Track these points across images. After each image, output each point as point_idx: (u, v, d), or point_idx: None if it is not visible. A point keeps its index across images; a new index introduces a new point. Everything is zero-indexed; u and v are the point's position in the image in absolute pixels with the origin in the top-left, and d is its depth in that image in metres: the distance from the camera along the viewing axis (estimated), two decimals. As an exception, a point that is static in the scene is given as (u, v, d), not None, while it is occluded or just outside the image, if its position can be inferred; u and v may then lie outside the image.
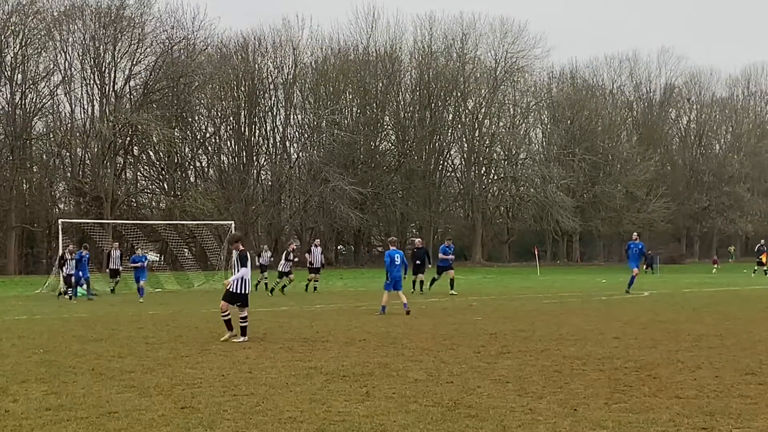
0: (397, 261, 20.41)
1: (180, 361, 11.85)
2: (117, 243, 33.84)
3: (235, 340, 14.25)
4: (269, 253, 33.51)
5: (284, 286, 29.20)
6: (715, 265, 60.04)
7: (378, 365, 11.26)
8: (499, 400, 8.77)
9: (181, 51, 63.60)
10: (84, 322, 18.69)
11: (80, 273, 28.17)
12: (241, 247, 14.95)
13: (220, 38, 68.33)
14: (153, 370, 11.00)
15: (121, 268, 31.67)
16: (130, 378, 10.41)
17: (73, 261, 28.30)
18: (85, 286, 28.84)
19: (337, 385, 9.71)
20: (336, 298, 26.85)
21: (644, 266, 55.96)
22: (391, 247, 20.94)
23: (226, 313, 14.57)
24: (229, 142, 69.82)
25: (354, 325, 16.90)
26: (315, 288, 30.62)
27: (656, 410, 8.21)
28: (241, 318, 14.54)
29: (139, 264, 28.07)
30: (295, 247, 32.69)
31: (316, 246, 32.03)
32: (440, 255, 29.08)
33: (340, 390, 9.41)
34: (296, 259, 31.35)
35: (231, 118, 68.48)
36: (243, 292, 14.66)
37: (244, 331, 14.47)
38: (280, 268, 29.76)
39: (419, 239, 33.60)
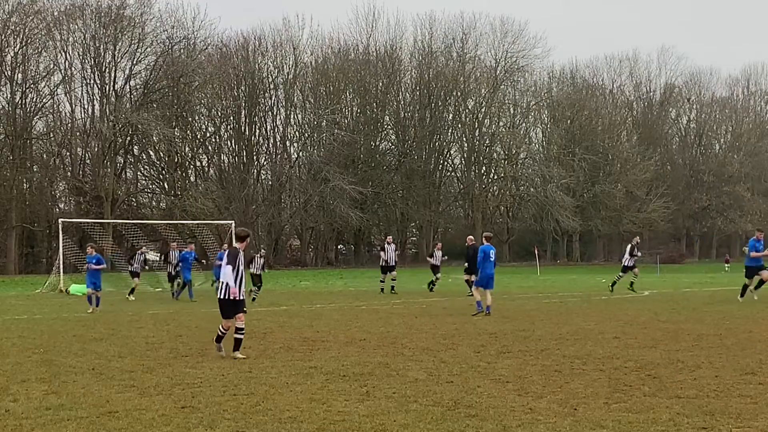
0: (492, 257, 18.98)
1: (180, 361, 11.86)
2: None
3: (239, 355, 12.02)
4: (441, 253, 30.04)
5: (631, 282, 27.15)
6: (727, 264, 59.92)
7: (378, 365, 11.26)
8: (499, 400, 8.77)
9: (182, 51, 63.69)
10: (84, 321, 18.70)
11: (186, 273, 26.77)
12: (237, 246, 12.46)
13: (220, 38, 68.70)
14: (153, 370, 11.00)
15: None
16: (131, 378, 10.41)
17: (142, 258, 28.10)
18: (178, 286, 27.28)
19: (337, 385, 9.71)
20: (336, 298, 26.84)
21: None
22: (485, 242, 19.40)
23: (227, 329, 12.39)
24: (229, 142, 69.95)
25: (354, 325, 16.89)
26: (392, 288, 28.40)
27: (656, 410, 8.21)
28: (239, 329, 12.18)
29: (87, 265, 22.43)
30: (639, 241, 29.10)
31: (389, 243, 29.67)
32: (751, 252, 22.28)
33: (340, 390, 9.42)
34: (639, 254, 27.94)
35: (231, 118, 68.58)
36: (242, 297, 12.24)
37: (239, 345, 12.17)
38: (624, 263, 27.32)
39: (471, 236, 28.12)
